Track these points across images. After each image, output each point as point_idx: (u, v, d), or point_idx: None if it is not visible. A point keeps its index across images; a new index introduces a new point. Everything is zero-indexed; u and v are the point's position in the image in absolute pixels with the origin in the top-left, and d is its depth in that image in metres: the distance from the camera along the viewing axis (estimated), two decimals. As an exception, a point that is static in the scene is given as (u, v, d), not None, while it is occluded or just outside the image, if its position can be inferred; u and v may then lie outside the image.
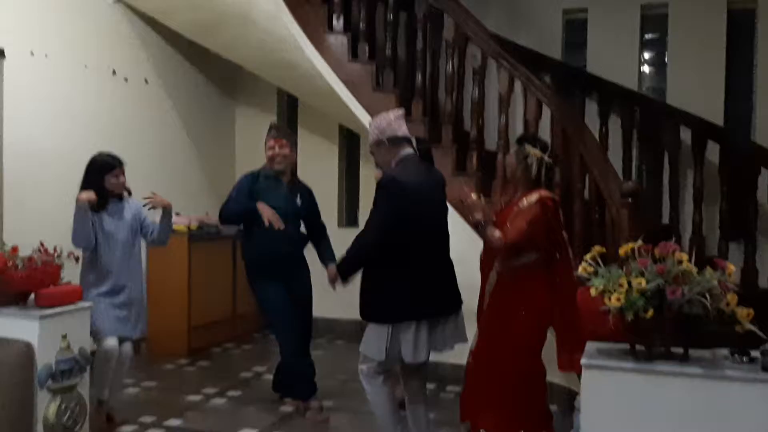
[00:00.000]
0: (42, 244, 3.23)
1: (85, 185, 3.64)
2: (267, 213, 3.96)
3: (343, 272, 3.29)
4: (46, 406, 3.02)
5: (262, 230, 4.01)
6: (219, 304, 5.88)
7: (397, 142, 3.24)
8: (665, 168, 5.13)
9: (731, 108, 5.34)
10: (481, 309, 3.53)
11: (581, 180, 4.30)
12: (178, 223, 5.54)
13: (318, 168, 6.43)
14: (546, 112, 4.54)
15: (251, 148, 6.57)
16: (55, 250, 3.22)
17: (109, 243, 3.65)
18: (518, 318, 3.27)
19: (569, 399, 3.64)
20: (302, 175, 6.50)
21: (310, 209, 4.30)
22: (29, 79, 4.56)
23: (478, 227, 3.33)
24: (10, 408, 2.84)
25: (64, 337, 3.09)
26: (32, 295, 3.14)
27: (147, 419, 3.98)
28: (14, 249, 3.11)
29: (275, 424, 3.99)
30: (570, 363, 3.35)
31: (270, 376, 4.94)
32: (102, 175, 3.65)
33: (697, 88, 5.31)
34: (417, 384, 3.36)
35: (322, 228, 4.37)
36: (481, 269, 3.60)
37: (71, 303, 3.16)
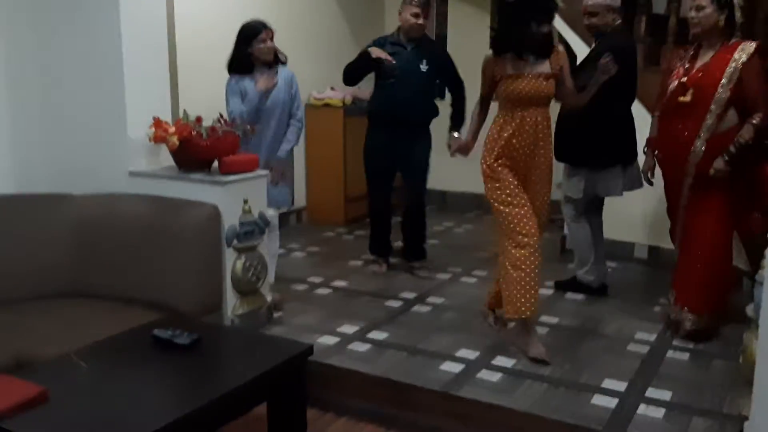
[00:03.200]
0: (221, 115, 3.43)
1: (235, 53, 3.71)
2: (376, 52, 4.17)
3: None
4: (233, 263, 3.32)
5: (385, 88, 4.23)
6: (372, 176, 6.06)
7: (620, 11, 3.75)
8: None
9: None
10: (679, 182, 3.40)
11: (765, 40, 3.92)
12: (333, 97, 5.67)
13: (467, 39, 6.27)
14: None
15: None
16: (234, 120, 3.42)
17: (256, 112, 3.68)
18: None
19: (740, 277, 3.52)
20: (451, 47, 6.41)
21: (441, 70, 4.31)
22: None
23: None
24: (205, 262, 3.15)
25: (246, 201, 3.33)
26: (215, 163, 3.39)
27: (315, 279, 4.31)
28: (198, 119, 3.33)
29: (433, 289, 4.18)
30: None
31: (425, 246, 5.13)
32: (249, 42, 3.67)
33: None
34: (598, 219, 4.04)
35: (456, 89, 4.35)
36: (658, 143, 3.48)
37: (250, 171, 3.38)
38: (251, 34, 3.68)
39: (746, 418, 2.35)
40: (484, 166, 3.25)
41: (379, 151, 4.35)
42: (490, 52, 3.23)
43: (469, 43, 6.26)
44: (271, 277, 3.87)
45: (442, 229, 5.72)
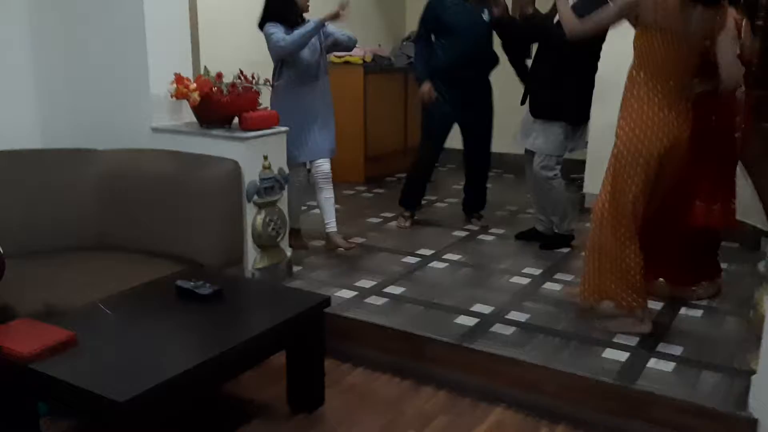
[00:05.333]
0: (241, 72, 3.46)
1: (276, 8, 3.73)
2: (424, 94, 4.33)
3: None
4: (254, 218, 3.39)
5: (449, 43, 4.24)
6: (392, 135, 6.10)
7: None
8: None
9: None
10: None
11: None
12: (354, 54, 5.66)
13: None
14: None
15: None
16: (253, 76, 3.45)
17: (297, 60, 3.75)
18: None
19: (754, 235, 3.52)
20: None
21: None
22: None
23: None
24: (227, 217, 3.21)
25: (266, 157, 3.39)
26: (235, 119, 3.43)
27: (334, 236, 4.37)
28: (219, 75, 3.36)
29: (450, 246, 4.23)
30: (707, 214, 3.14)
31: (442, 205, 5.20)
32: None
33: None
34: None
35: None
36: None
37: (270, 127, 3.42)
38: None
39: (754, 372, 2.39)
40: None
41: (442, 105, 4.38)
42: None
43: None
44: (333, 225, 4.00)
45: (460, 187, 5.73)
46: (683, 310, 3.25)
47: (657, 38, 2.68)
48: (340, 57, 5.66)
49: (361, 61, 5.65)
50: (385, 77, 5.89)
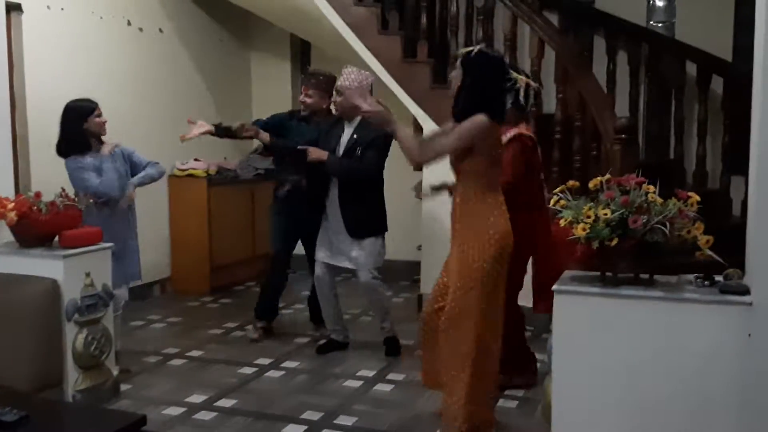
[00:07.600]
0: (63, 190, 3.46)
1: (67, 133, 3.70)
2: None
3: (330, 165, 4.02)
4: (74, 338, 3.30)
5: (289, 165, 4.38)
6: (239, 245, 6.12)
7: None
8: (672, 103, 5.17)
9: (740, 40, 5.31)
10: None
11: (581, 118, 4.40)
12: (197, 167, 5.76)
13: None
14: (549, 51, 4.61)
15: (267, 92, 6.75)
16: (76, 195, 3.45)
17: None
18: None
19: (547, 323, 3.82)
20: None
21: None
22: (46, 33, 4.73)
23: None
24: (42, 338, 3.12)
25: (88, 274, 3.35)
26: (57, 237, 3.39)
27: (170, 351, 4.29)
28: (37, 194, 3.35)
29: (289, 354, 4.27)
30: (546, 307, 3.45)
31: (288, 311, 5.24)
32: (83, 120, 3.67)
33: (705, 21, 5.28)
34: None
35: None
36: None
37: (93, 244, 3.40)
38: (87, 111, 3.71)
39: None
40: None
41: (284, 216, 4.47)
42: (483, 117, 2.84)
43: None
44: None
45: (308, 293, 5.82)
46: (501, 402, 3.44)
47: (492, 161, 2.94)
48: (183, 170, 5.73)
49: (204, 174, 5.75)
50: (230, 189, 6.00)
